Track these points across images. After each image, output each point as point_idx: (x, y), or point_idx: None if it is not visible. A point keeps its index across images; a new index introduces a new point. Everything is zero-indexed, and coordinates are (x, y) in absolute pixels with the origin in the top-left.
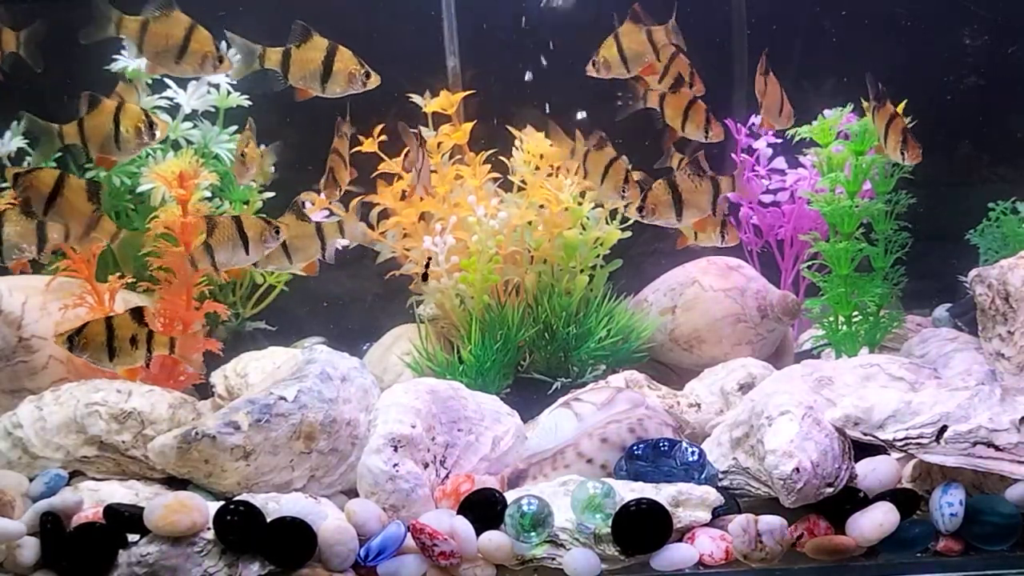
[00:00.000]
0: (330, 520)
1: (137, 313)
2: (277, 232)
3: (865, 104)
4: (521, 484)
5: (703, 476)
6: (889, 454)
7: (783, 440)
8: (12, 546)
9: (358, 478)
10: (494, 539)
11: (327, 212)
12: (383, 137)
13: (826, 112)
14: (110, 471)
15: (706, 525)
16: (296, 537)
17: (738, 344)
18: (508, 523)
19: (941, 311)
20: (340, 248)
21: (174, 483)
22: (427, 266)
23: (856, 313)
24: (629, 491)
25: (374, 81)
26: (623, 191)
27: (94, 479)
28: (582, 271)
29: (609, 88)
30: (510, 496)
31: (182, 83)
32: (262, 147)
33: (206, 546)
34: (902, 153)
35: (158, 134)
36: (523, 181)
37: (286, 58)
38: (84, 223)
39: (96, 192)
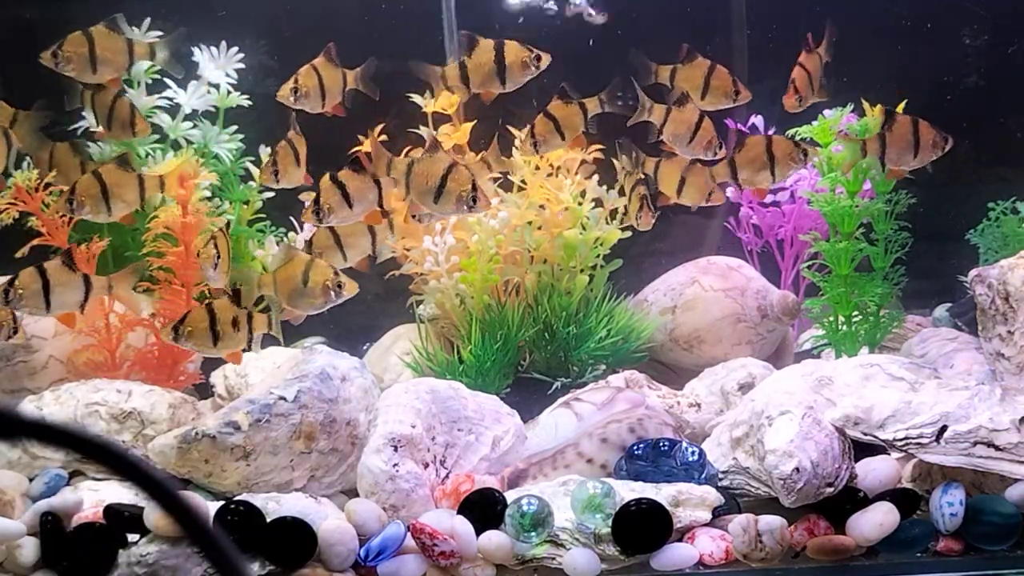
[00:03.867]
0: (330, 520)
1: (236, 295)
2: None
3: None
4: (521, 484)
5: (703, 476)
6: (889, 454)
7: (783, 440)
8: (12, 546)
9: (358, 478)
10: (494, 539)
11: None
12: (383, 137)
13: (826, 112)
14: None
15: (706, 525)
16: (296, 537)
17: (738, 344)
18: (508, 523)
19: (941, 311)
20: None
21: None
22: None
23: (856, 313)
24: (629, 491)
25: (546, 61)
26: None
27: (94, 479)
28: (582, 271)
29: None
30: (510, 496)
31: (182, 83)
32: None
33: None
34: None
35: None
36: (523, 181)
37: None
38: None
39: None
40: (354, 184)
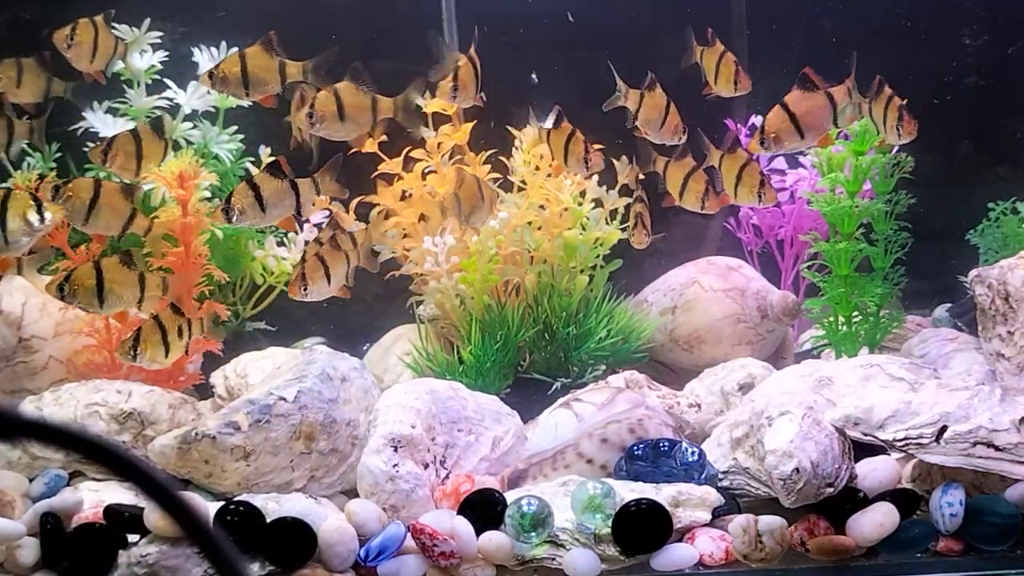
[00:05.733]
0: (330, 520)
1: (175, 308)
2: None
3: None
4: (521, 484)
5: (703, 476)
6: (889, 454)
7: (783, 440)
8: (12, 546)
9: (358, 478)
10: (494, 539)
11: (326, 213)
12: (383, 137)
13: None
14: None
15: (706, 525)
16: (296, 537)
17: (738, 344)
18: (508, 523)
19: (941, 311)
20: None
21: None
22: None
23: (856, 313)
24: (629, 491)
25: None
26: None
27: (94, 479)
28: (582, 271)
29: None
30: (510, 496)
31: (182, 83)
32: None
33: None
34: (898, 130)
35: None
36: (523, 181)
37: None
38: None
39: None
40: (269, 187)
